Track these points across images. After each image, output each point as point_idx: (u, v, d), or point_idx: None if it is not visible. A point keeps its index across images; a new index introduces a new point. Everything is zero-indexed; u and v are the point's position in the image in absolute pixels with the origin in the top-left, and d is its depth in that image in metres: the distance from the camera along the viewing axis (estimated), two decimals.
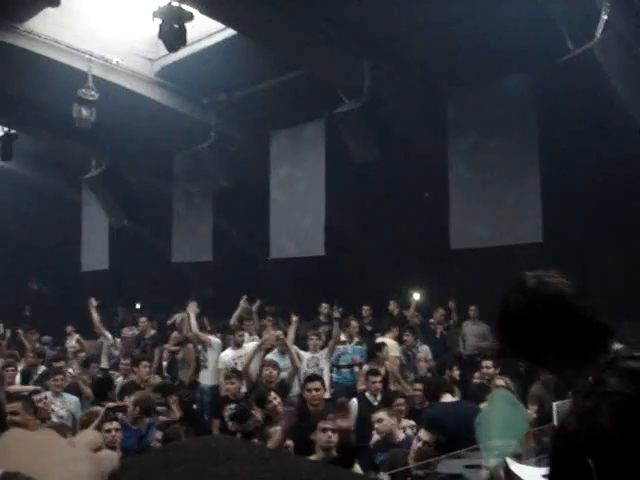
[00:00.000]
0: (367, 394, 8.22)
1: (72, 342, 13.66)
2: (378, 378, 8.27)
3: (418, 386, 8.07)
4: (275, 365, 9.32)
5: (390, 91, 10.88)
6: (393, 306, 13.29)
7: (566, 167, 11.03)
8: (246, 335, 11.17)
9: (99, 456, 0.68)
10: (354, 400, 8.02)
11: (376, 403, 7.91)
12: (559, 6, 8.28)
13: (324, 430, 5.28)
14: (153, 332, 13.27)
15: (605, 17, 8.04)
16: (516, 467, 4.20)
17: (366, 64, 10.40)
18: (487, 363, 8.64)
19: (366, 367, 9.39)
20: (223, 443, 0.85)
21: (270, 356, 9.92)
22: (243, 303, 12.35)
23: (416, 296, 12.54)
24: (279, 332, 10.50)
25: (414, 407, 7.76)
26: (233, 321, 11.88)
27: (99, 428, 6.04)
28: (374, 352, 9.91)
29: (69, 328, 14.24)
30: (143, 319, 13.89)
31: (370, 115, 10.46)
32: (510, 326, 1.91)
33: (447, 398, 6.82)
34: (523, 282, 1.93)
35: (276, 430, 5.92)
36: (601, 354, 1.83)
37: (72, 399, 8.62)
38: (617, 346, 1.85)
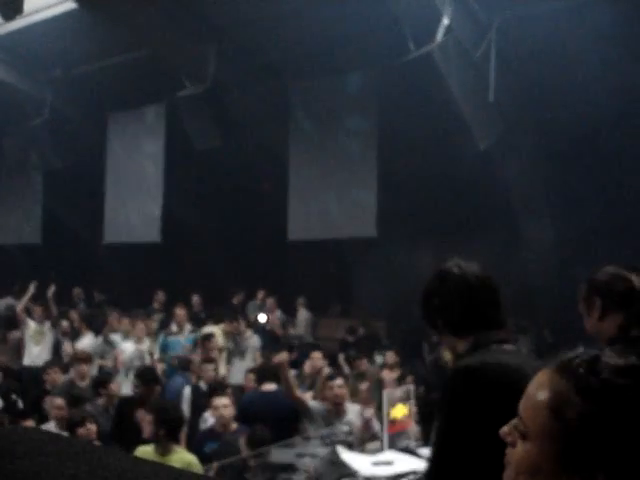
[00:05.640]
0: (201, 383, 8.05)
1: None
2: (212, 366, 8.14)
3: (251, 376, 7.96)
4: None
5: (234, 78, 10.77)
6: (237, 299, 13.23)
7: (404, 167, 11.32)
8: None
9: None
10: (187, 388, 7.87)
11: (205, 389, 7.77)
12: (402, 6, 8.49)
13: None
14: None
15: (446, 21, 8.33)
16: (346, 455, 4.27)
17: (211, 49, 10.25)
18: (317, 354, 8.54)
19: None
20: (26, 435, 0.75)
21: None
22: (34, 289, 11.56)
23: (261, 318, 12.18)
24: None
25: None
26: (21, 307, 11.16)
27: None
28: (203, 342, 9.77)
29: None
30: None
31: (213, 101, 10.35)
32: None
33: (269, 387, 6.80)
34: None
35: None
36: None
37: None
38: None
